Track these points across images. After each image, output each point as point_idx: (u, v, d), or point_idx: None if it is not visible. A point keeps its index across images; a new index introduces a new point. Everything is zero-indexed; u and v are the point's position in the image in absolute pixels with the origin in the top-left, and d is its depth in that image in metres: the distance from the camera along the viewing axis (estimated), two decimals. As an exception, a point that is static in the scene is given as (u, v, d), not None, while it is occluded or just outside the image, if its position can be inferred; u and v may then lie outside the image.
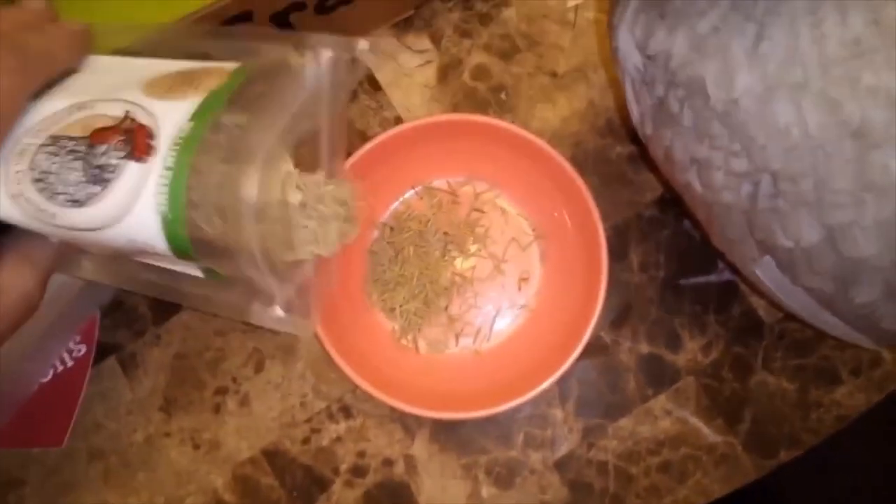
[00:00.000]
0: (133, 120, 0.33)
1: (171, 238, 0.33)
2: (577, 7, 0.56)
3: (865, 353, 0.50)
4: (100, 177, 0.32)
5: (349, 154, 0.49)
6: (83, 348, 0.54)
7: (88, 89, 0.36)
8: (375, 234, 0.53)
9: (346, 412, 0.52)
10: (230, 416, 0.53)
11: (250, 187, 0.30)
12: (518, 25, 0.56)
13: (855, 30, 0.28)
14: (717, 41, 0.30)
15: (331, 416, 0.52)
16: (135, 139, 0.33)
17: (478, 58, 0.56)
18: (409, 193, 0.53)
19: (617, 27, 0.35)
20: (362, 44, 0.36)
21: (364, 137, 0.54)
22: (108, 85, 0.36)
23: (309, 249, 0.40)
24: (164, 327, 0.54)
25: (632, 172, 0.53)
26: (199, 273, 0.38)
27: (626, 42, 0.35)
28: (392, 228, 0.52)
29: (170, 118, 0.33)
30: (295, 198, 0.38)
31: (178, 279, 0.38)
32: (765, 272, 0.36)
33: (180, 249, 0.33)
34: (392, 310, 0.51)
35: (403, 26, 0.56)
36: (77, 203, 0.33)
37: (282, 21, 0.47)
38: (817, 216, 0.30)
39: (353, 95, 0.55)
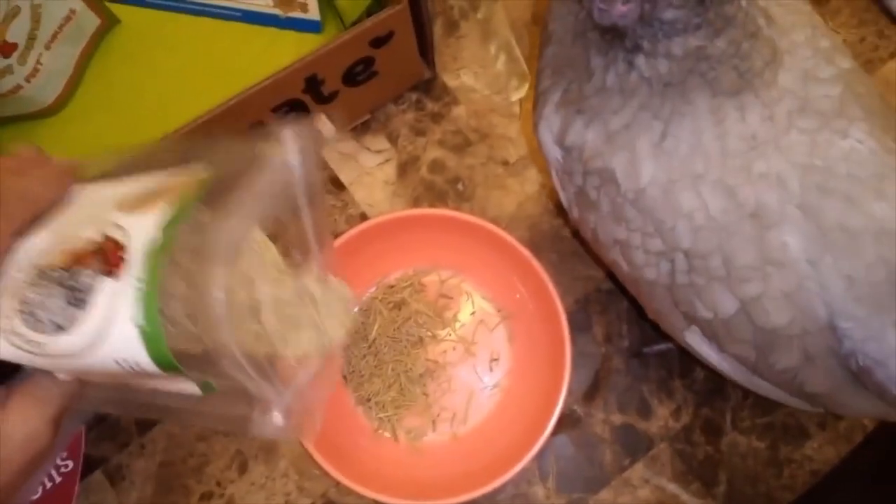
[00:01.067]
0: (107, 238, 0.35)
1: (154, 352, 0.33)
2: (520, 100, 0.59)
3: (829, 405, 0.52)
4: (79, 298, 0.34)
5: (316, 255, 0.51)
6: (70, 464, 0.55)
7: (70, 218, 0.37)
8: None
9: (332, 507, 0.53)
10: (217, 521, 0.53)
11: (217, 286, 0.30)
12: (468, 121, 0.59)
13: (752, 126, 0.31)
14: (627, 136, 0.33)
15: (316, 513, 0.53)
16: (109, 257, 0.34)
17: (433, 153, 0.59)
18: (378, 284, 0.55)
19: (538, 122, 0.38)
20: (322, 121, 0.38)
21: (332, 235, 0.57)
22: (87, 210, 0.38)
23: (307, 347, 0.40)
24: (148, 437, 0.55)
25: (586, 249, 0.56)
26: (196, 389, 0.39)
27: (545, 136, 0.38)
28: (363, 321, 0.54)
29: (141, 230, 0.34)
30: (282, 291, 0.39)
31: (177, 399, 0.39)
32: (694, 341, 0.38)
33: (165, 363, 0.33)
34: (368, 400, 0.53)
35: (361, 129, 0.60)
36: (60, 329, 0.34)
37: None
38: (729, 289, 0.33)
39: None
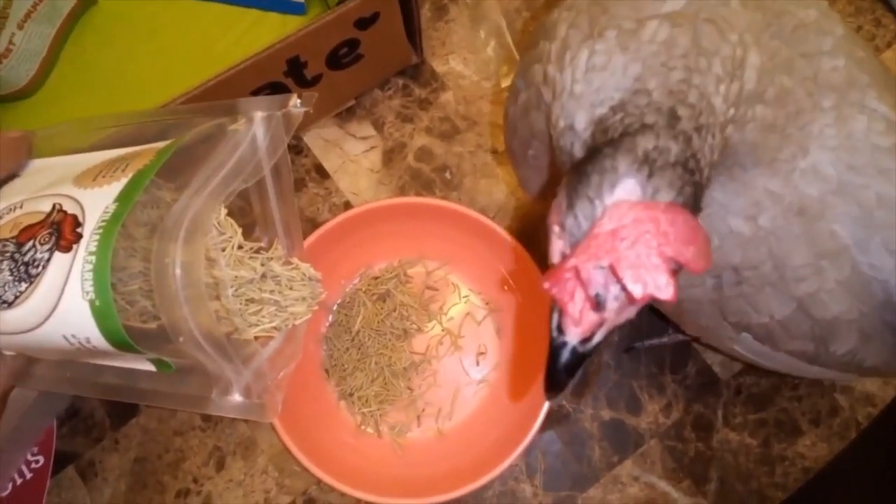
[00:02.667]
0: (61, 211, 0.33)
1: (104, 327, 0.31)
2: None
3: (822, 401, 0.51)
4: (27, 273, 0.32)
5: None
6: (41, 459, 0.53)
7: (23, 190, 0.35)
8: (329, 318, 0.53)
9: (313, 505, 0.51)
10: (193, 519, 0.51)
11: (174, 262, 0.29)
12: (456, 108, 0.58)
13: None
14: None
15: (297, 511, 0.51)
16: (61, 230, 0.32)
17: (420, 140, 0.57)
18: (361, 275, 0.54)
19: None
20: (293, 99, 0.36)
21: (314, 224, 0.55)
22: (42, 183, 0.36)
23: (264, 327, 0.39)
24: (122, 432, 0.53)
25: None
26: (150, 367, 0.37)
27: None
28: (346, 313, 0.52)
29: (96, 204, 0.32)
30: (245, 270, 0.37)
31: (132, 377, 0.37)
32: (744, 346, 0.37)
33: (117, 340, 0.32)
34: (350, 395, 0.51)
35: (346, 115, 0.58)
36: (6, 304, 0.32)
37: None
38: (784, 291, 0.32)
39: (302, 184, 0.56)
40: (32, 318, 0.32)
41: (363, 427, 0.51)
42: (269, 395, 0.37)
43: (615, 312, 0.27)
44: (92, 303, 0.31)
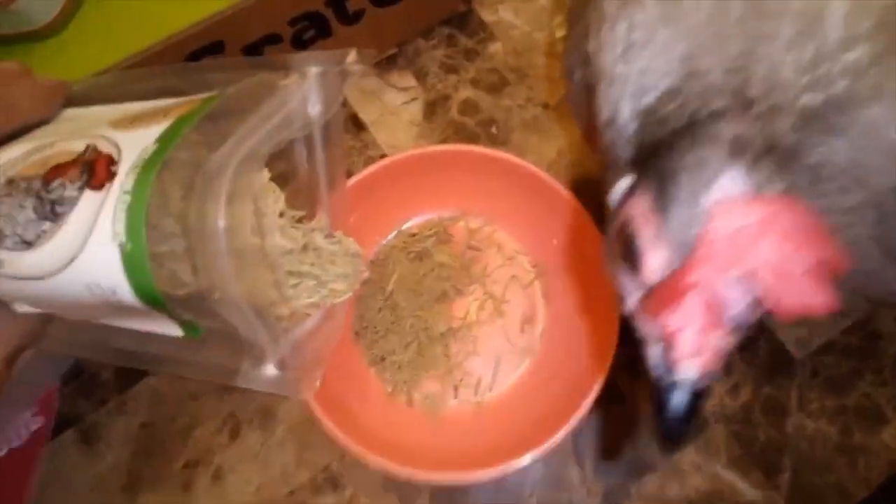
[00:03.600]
0: (95, 150, 0.30)
1: (135, 277, 0.28)
2: (564, 38, 0.53)
3: (910, 387, 0.45)
4: (52, 212, 0.29)
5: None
6: (40, 421, 0.48)
7: (56, 132, 0.33)
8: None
9: (334, 483, 0.46)
10: (202, 493, 0.46)
11: (219, 212, 0.26)
12: (505, 59, 0.54)
13: None
14: None
15: (316, 489, 0.46)
16: (94, 168, 0.29)
17: (465, 93, 0.53)
18: (398, 231, 0.49)
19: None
20: (352, 55, 0.33)
21: (348, 178, 0.51)
22: (74, 127, 0.33)
23: (302, 303, 0.35)
24: (130, 394, 0.48)
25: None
26: (177, 331, 0.33)
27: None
28: (380, 271, 0.48)
29: (134, 145, 0.29)
30: (285, 239, 0.34)
31: (154, 343, 0.34)
32: None
33: (146, 293, 0.28)
34: (382, 360, 0.46)
35: (386, 64, 0.54)
36: (27, 244, 0.29)
37: (255, 55, 0.45)
38: None
39: (336, 136, 0.52)
40: (54, 261, 0.29)
41: (395, 395, 0.46)
42: (307, 370, 0.33)
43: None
44: (122, 247, 0.27)
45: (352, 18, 0.47)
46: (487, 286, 0.48)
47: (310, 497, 0.46)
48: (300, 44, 0.46)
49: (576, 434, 0.45)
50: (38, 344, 0.35)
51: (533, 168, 0.45)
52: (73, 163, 0.30)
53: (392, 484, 0.45)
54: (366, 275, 0.38)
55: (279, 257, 0.33)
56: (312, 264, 0.35)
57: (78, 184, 0.29)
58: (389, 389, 0.46)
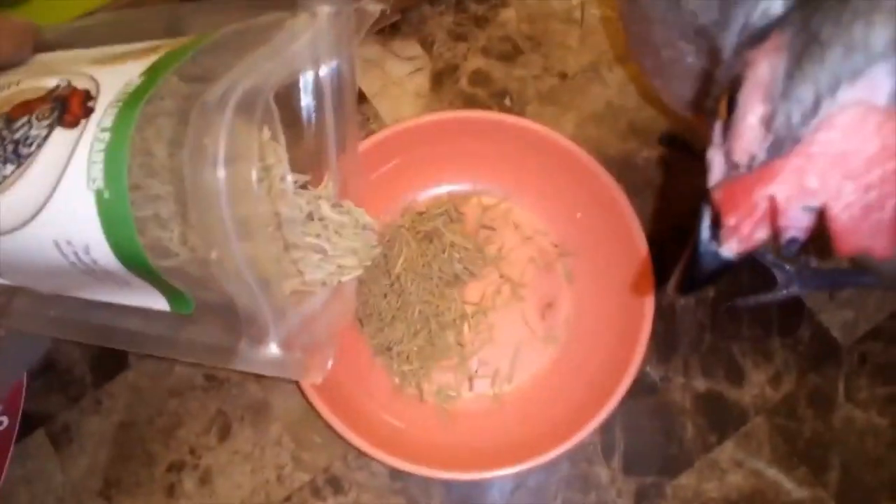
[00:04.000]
0: (69, 86, 0.26)
1: (113, 230, 0.24)
2: (582, 4, 0.50)
3: (967, 375, 0.42)
4: (15, 153, 0.24)
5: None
6: (5, 421, 0.43)
7: (27, 72, 0.29)
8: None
9: (336, 485, 0.41)
10: (187, 498, 0.41)
11: (217, 157, 0.22)
12: (519, 26, 0.50)
13: None
14: None
15: (316, 492, 0.41)
16: (67, 104, 0.25)
17: (475, 62, 0.49)
18: (404, 209, 0.45)
19: None
20: None
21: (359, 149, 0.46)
22: (47, 67, 0.29)
23: (305, 279, 0.31)
24: (106, 390, 0.44)
25: (663, 178, 0.46)
26: (163, 304, 0.28)
27: None
28: (385, 253, 0.43)
29: (116, 80, 0.25)
30: (288, 206, 0.29)
31: (135, 318, 0.29)
32: None
33: (127, 251, 0.24)
34: (389, 349, 0.42)
35: (389, 32, 0.50)
36: None
37: None
38: None
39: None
40: (16, 212, 0.24)
41: (403, 388, 0.41)
42: (315, 350, 0.28)
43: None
44: (99, 194, 0.23)
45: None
46: (504, 269, 0.44)
47: (309, 501, 0.41)
48: None
49: (604, 429, 0.41)
50: (1, 322, 0.30)
51: (553, 134, 0.41)
52: (42, 99, 0.26)
53: (400, 486, 0.41)
54: (378, 250, 0.34)
55: (281, 226, 0.29)
56: (318, 236, 0.31)
57: (47, 122, 0.25)
58: (397, 381, 0.42)
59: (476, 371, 0.42)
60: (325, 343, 0.30)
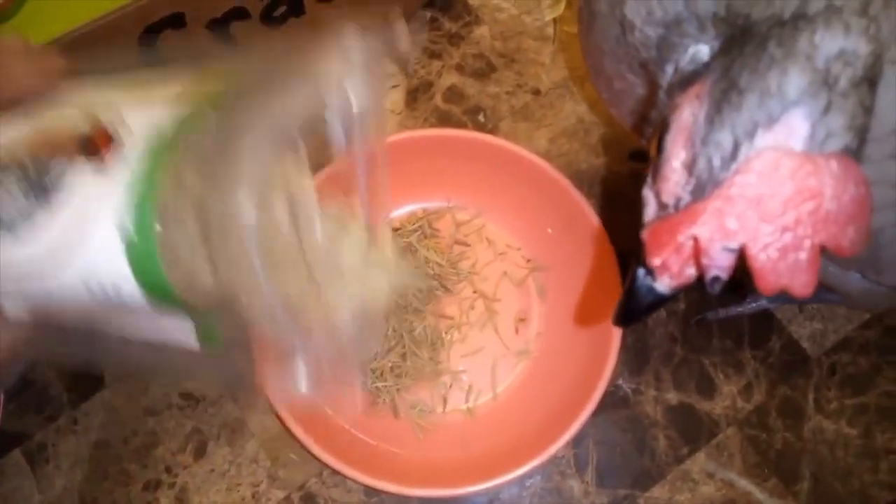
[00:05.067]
0: (98, 126, 0.26)
1: (143, 273, 0.24)
2: (555, 20, 0.50)
3: (934, 384, 0.42)
4: (42, 194, 0.25)
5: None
6: (-21, 443, 0.43)
7: (54, 109, 0.29)
8: (340, 277, 0.44)
9: (311, 502, 0.41)
10: (164, 517, 0.42)
11: (248, 196, 0.22)
12: (492, 44, 0.50)
13: None
14: None
15: (292, 510, 0.41)
16: (94, 143, 0.25)
17: (450, 79, 0.50)
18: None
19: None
20: (399, 24, 0.29)
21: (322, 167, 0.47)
22: (75, 103, 0.29)
23: (339, 309, 0.31)
24: (82, 409, 0.44)
25: (634, 192, 0.46)
26: (192, 341, 0.29)
27: None
28: (360, 269, 0.44)
29: (145, 118, 0.26)
30: (320, 236, 0.29)
31: (166, 352, 0.30)
32: None
33: (157, 288, 0.25)
34: (362, 367, 0.42)
35: (365, 50, 0.50)
36: (11, 233, 0.25)
37: (221, 30, 0.41)
38: None
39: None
40: (47, 252, 0.25)
41: (377, 404, 0.42)
42: (344, 386, 0.29)
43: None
44: (129, 239, 0.24)
45: (326, -3, 0.44)
46: (477, 284, 0.44)
47: (284, 520, 0.41)
48: (271, 20, 0.43)
49: (577, 442, 0.42)
50: (30, 353, 0.31)
51: (525, 153, 0.42)
52: (72, 140, 0.26)
53: (376, 502, 0.41)
54: (407, 280, 0.34)
55: (312, 256, 0.29)
56: (348, 265, 0.31)
57: (76, 165, 0.25)
58: (372, 398, 0.42)
59: (450, 386, 0.42)
60: (351, 378, 0.31)
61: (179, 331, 0.28)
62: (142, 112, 0.27)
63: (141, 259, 0.24)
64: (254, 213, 0.22)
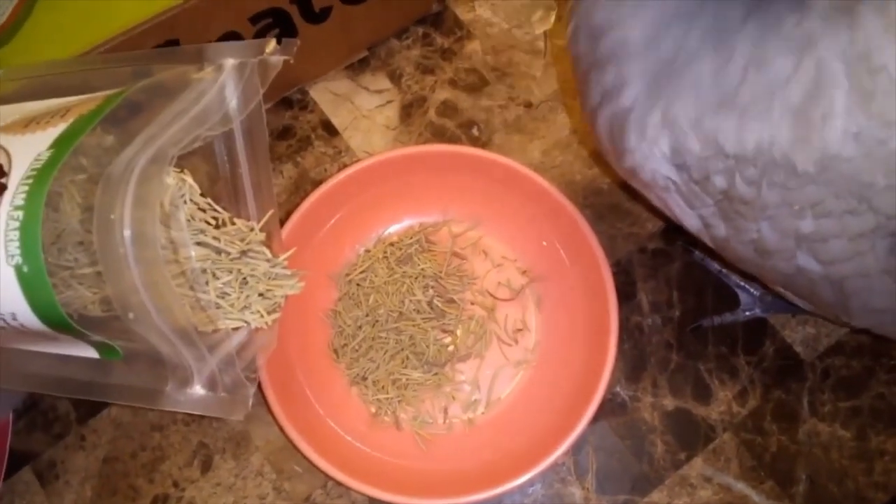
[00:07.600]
0: None
1: (36, 301, 0.25)
2: (546, 34, 0.51)
3: (926, 385, 0.43)
4: None
5: (302, 199, 0.42)
6: (-9, 461, 0.44)
7: None
8: (338, 290, 0.45)
9: (317, 514, 0.42)
10: (172, 531, 0.42)
11: (124, 219, 0.23)
12: (484, 58, 0.51)
13: None
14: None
15: (298, 521, 0.42)
16: None
17: (443, 94, 0.50)
18: (377, 240, 0.46)
19: (634, 150, 0.29)
20: (271, 45, 0.30)
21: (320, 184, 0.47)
22: None
23: (226, 323, 0.32)
24: (90, 426, 0.45)
25: (628, 202, 0.47)
26: (92, 353, 0.30)
27: (652, 160, 0.28)
28: (358, 283, 0.44)
29: (26, 151, 0.27)
30: (201, 250, 0.30)
31: (72, 366, 0.31)
32: None
33: (51, 316, 0.26)
34: (364, 379, 0.43)
35: (358, 67, 0.51)
36: None
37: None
38: None
39: (307, 143, 0.49)
40: None
41: (380, 416, 0.42)
42: (240, 388, 0.30)
43: None
44: (18, 269, 0.25)
45: (318, 16, 0.44)
46: (475, 296, 0.45)
47: (290, 531, 0.42)
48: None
49: (577, 449, 0.42)
50: None
51: (519, 166, 0.42)
52: None
53: (379, 513, 0.42)
54: (295, 291, 0.35)
55: (195, 270, 0.30)
56: (236, 278, 0.32)
57: None
58: (373, 410, 0.43)
59: (451, 397, 0.43)
60: (249, 379, 0.31)
61: (77, 345, 0.29)
62: (25, 139, 0.27)
63: (32, 286, 0.25)
64: (129, 230, 0.23)
